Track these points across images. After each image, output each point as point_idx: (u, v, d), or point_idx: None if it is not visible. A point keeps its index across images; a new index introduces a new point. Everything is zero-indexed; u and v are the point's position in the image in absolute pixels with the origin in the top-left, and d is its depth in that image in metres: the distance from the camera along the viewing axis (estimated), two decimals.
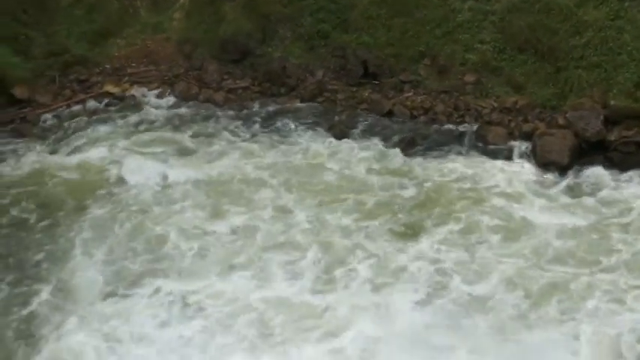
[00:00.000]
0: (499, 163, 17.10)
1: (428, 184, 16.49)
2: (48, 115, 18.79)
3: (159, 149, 17.57)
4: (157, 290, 14.07)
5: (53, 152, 17.77)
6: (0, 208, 16.15)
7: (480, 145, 17.66)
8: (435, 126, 18.17)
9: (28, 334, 13.32)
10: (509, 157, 17.26)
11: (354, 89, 18.83)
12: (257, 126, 18.31)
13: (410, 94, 18.66)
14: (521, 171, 16.97)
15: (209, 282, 14.21)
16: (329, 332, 13.15)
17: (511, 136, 17.73)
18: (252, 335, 13.12)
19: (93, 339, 13.09)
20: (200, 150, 17.61)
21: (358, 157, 17.25)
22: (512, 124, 17.88)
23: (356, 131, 18.04)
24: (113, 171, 16.94)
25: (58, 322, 13.46)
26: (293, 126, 18.22)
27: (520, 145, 17.46)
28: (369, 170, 16.96)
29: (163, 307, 13.74)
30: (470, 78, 18.62)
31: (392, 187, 16.40)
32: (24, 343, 13.17)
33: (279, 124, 18.32)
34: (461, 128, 18.05)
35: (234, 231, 15.35)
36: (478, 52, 18.73)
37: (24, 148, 17.88)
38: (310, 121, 18.37)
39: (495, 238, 15.06)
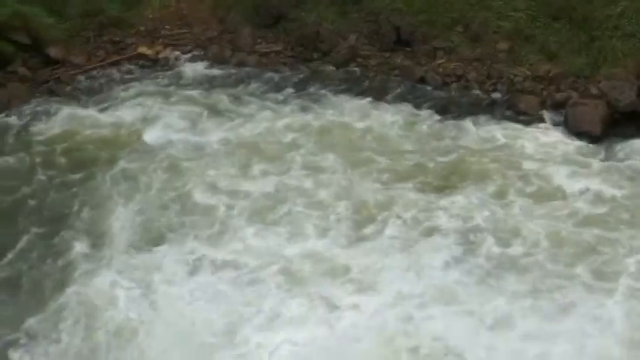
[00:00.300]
0: (531, 131, 17.00)
1: (460, 149, 16.47)
2: (82, 76, 18.90)
3: (190, 109, 17.59)
4: (187, 242, 14.18)
5: (86, 111, 17.85)
6: (34, 164, 16.32)
7: (512, 113, 17.56)
8: (467, 93, 18.14)
9: (61, 280, 13.51)
10: (541, 126, 17.16)
11: (387, 55, 18.78)
12: (289, 90, 18.30)
13: (442, 60, 18.61)
14: (553, 140, 16.86)
15: (239, 236, 14.31)
16: (359, 286, 13.22)
17: (543, 105, 17.64)
18: (282, 284, 13.24)
19: (124, 284, 13.32)
20: (231, 111, 17.62)
21: (390, 121, 17.23)
22: (545, 93, 17.79)
23: (388, 97, 17.99)
24: (145, 129, 17.03)
25: (89, 269, 13.65)
26: (325, 90, 18.18)
27: (552, 115, 17.38)
28: (401, 134, 16.95)
29: (194, 258, 13.88)
30: (503, 46, 18.52)
31: (424, 151, 16.37)
32: (56, 289, 13.35)
33: (311, 88, 18.31)
34: (493, 96, 17.98)
35: (264, 188, 15.41)
36: (511, 19, 18.61)
37: (58, 108, 17.95)
38: (342, 86, 18.31)
39: (528, 202, 15.02)
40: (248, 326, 12.67)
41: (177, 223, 14.59)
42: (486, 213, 14.73)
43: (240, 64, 18.99)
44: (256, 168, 15.94)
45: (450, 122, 17.36)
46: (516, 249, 13.98)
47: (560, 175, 15.76)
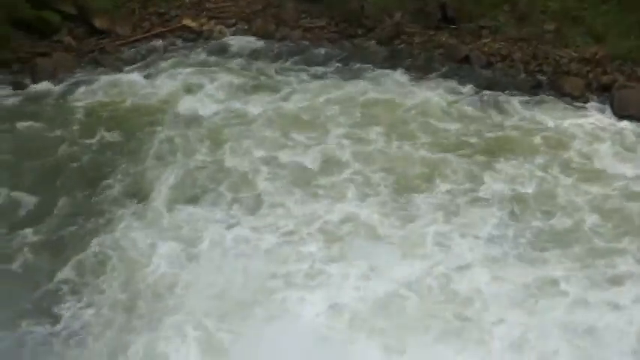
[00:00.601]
0: (575, 113, 16.81)
1: (503, 128, 16.37)
2: (126, 47, 18.96)
3: (232, 81, 17.64)
4: (226, 204, 14.29)
5: (130, 81, 17.97)
6: (78, 130, 16.46)
7: (557, 94, 17.37)
8: (512, 73, 17.95)
9: (103, 236, 13.66)
10: (585, 108, 16.96)
11: (432, 33, 18.67)
12: (331, 65, 18.25)
13: (488, 40, 18.45)
14: (598, 122, 16.65)
15: (278, 200, 14.35)
16: (402, 250, 13.19)
17: (589, 87, 17.42)
18: (321, 242, 13.31)
19: (163, 240, 13.48)
20: (273, 84, 17.65)
21: (434, 99, 17.09)
22: (591, 76, 17.56)
23: (432, 74, 17.88)
24: (186, 99, 17.14)
25: (130, 226, 13.82)
26: (368, 67, 18.10)
27: (597, 97, 17.16)
28: (445, 111, 16.83)
29: (232, 219, 13.97)
30: (550, 26, 18.33)
31: (467, 127, 16.28)
32: (99, 244, 13.52)
33: (354, 64, 18.23)
34: (538, 77, 17.78)
35: (304, 157, 15.40)
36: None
37: (102, 77, 18.07)
38: (386, 63, 18.22)
39: (572, 179, 14.93)
40: (285, 284, 12.73)
41: (216, 187, 14.66)
42: (531, 187, 14.67)
43: (284, 38, 19.00)
44: (297, 138, 15.93)
45: (494, 101, 17.20)
46: (563, 221, 13.88)
47: (605, 156, 15.62)
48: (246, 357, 11.80)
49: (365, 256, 13.08)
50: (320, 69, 18.08)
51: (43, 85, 17.85)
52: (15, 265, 13.38)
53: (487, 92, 17.34)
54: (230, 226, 13.80)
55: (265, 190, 14.56)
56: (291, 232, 13.60)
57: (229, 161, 15.25)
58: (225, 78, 17.67)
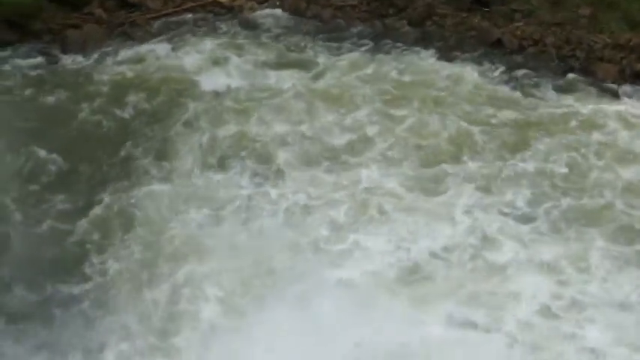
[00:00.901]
0: (607, 100, 16.58)
1: (535, 110, 16.19)
2: (157, 20, 18.93)
3: (261, 57, 17.57)
4: (250, 172, 14.33)
5: (159, 54, 17.88)
6: (107, 101, 16.42)
7: (590, 80, 17.13)
8: (544, 58, 17.75)
9: (130, 197, 13.81)
10: (618, 95, 16.72)
11: (464, 15, 18.47)
12: (362, 44, 18.08)
13: (520, 23, 18.23)
14: (630, 109, 16.42)
15: (305, 170, 14.33)
16: (429, 221, 13.15)
17: (622, 74, 17.18)
18: (347, 210, 13.33)
19: (188, 202, 13.59)
20: (302, 61, 17.55)
21: (465, 81, 16.93)
22: (624, 62, 17.31)
23: (463, 56, 17.69)
24: (215, 72, 17.10)
25: (157, 189, 13.95)
26: (399, 47, 17.94)
27: (631, 84, 16.92)
28: (475, 93, 16.66)
29: (258, 184, 14.05)
30: (584, 11, 18.12)
31: (498, 109, 16.07)
32: (125, 203, 13.68)
33: (384, 44, 18.05)
34: (570, 62, 17.57)
35: (331, 130, 15.34)
36: None
37: (131, 50, 18.04)
38: (416, 43, 18.04)
39: (603, 162, 14.74)
40: (310, 249, 12.74)
41: (242, 155, 14.69)
42: (562, 167, 14.53)
43: (315, 16, 18.86)
44: (325, 112, 15.84)
45: (525, 85, 17.04)
46: (594, 200, 13.74)
47: (636, 141, 15.39)
48: (265, 320, 11.77)
49: (392, 225, 13.05)
50: (350, 47, 17.92)
51: (73, 57, 17.85)
52: (43, 227, 13.47)
53: (518, 75, 17.18)
54: (255, 193, 13.80)
55: (291, 160, 14.53)
56: (317, 199, 13.56)
57: (255, 131, 15.23)
58: (254, 53, 17.60)
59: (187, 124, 15.54)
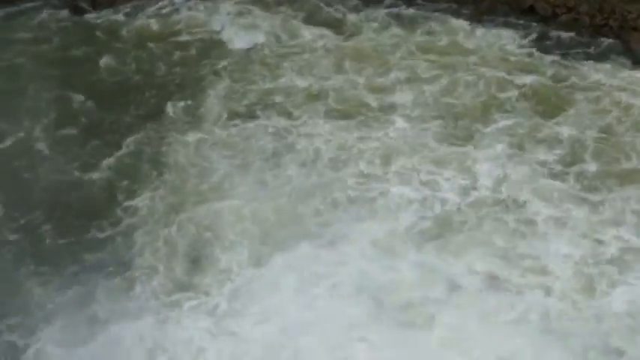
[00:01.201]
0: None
1: (565, 78, 15.95)
2: None
3: (292, 15, 17.46)
4: (278, 118, 14.42)
5: (188, 14, 17.75)
6: (133, 55, 16.52)
7: (622, 50, 16.91)
8: (576, 25, 17.54)
9: (160, 144, 13.98)
10: None
11: None
12: (394, 5, 17.89)
13: None
14: None
15: (331, 121, 14.33)
16: (456, 173, 13.13)
17: None
18: (375, 161, 13.30)
19: (215, 147, 13.74)
20: (333, 21, 17.44)
21: (495, 45, 16.76)
22: None
23: (494, 21, 17.52)
24: (245, 29, 17.08)
25: (185, 138, 14.04)
26: (431, 10, 17.71)
27: None
28: (505, 57, 16.47)
29: (286, 131, 14.09)
30: None
31: (528, 74, 15.87)
32: (150, 146, 13.90)
33: (416, 5, 17.83)
34: (603, 31, 17.35)
35: (356, 83, 15.28)
36: None
37: (160, 8, 18.01)
38: (449, 8, 17.80)
39: (634, 128, 14.46)
40: (340, 202, 12.74)
41: (269, 104, 14.76)
42: (594, 133, 14.32)
43: None
44: (353, 70, 15.76)
45: (557, 52, 16.83)
46: (628, 164, 13.58)
47: None
48: (283, 269, 11.83)
49: (419, 177, 13.06)
50: (382, 10, 17.80)
51: (103, 10, 17.87)
52: (74, 172, 13.65)
53: (551, 42, 17.01)
54: (281, 143, 13.88)
55: (319, 113, 14.52)
56: (345, 150, 13.57)
57: (284, 84, 15.23)
58: (283, 11, 17.55)
59: (217, 74, 15.62)
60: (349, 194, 12.76)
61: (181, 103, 14.82)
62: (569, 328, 11.15)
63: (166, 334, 11.05)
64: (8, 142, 14.29)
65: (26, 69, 16.06)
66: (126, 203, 12.93)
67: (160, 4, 18.10)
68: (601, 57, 16.79)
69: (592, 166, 13.55)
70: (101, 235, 12.51)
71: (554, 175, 13.27)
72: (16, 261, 12.20)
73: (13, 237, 12.60)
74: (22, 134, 14.35)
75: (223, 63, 15.96)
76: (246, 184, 13.04)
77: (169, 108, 14.74)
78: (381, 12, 17.62)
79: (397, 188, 12.82)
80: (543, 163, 13.46)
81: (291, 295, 11.42)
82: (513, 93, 15.33)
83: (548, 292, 11.59)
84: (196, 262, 11.96)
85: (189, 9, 17.89)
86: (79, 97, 15.15)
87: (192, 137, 13.97)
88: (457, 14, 17.65)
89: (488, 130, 14.05)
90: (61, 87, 15.47)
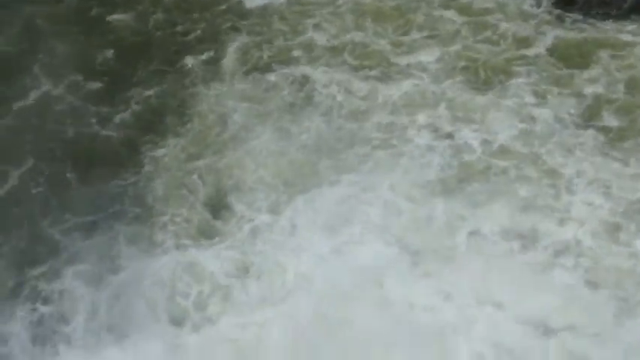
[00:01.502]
0: None
1: (591, 34, 15.62)
2: None
3: None
4: (296, 74, 14.35)
5: None
6: (154, 9, 16.44)
7: None
8: None
9: (176, 87, 14.15)
10: None
11: None
12: None
13: None
14: None
15: (353, 74, 14.24)
16: (482, 123, 13.10)
17: None
18: (399, 109, 13.32)
19: (235, 100, 13.78)
20: None
21: (514, 4, 16.48)
22: None
23: None
24: None
25: (207, 86, 14.20)
26: None
27: None
28: (525, 16, 16.11)
29: (302, 86, 14.07)
30: None
31: (553, 28, 15.59)
32: (170, 95, 14.02)
33: None
34: None
35: (381, 37, 15.16)
36: None
37: None
38: None
39: None
40: (358, 156, 12.77)
41: (285, 58, 14.73)
42: (618, 87, 14.11)
43: None
44: (371, 25, 15.62)
45: (579, 12, 16.54)
46: None
47: None
48: (304, 214, 11.89)
49: (440, 125, 13.09)
50: None
51: None
52: (94, 122, 13.77)
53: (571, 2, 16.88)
54: (301, 90, 13.92)
55: (337, 63, 14.49)
56: (364, 102, 13.57)
57: (303, 38, 15.18)
58: None
59: (236, 30, 15.57)
60: (371, 143, 12.77)
61: (201, 57, 14.82)
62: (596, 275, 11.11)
63: (186, 276, 11.22)
64: (31, 99, 14.34)
65: (43, 29, 16.04)
66: (148, 153, 13.03)
67: None
68: (624, 16, 16.60)
69: (617, 121, 13.41)
70: (123, 184, 12.62)
71: (578, 128, 13.17)
72: (42, 210, 12.36)
73: (39, 188, 12.73)
74: (44, 89, 14.40)
75: (243, 19, 15.90)
76: (266, 134, 13.08)
77: (189, 61, 14.74)
78: None
79: (419, 138, 12.80)
80: (567, 116, 13.34)
81: (312, 238, 11.50)
82: (536, 50, 15.10)
83: (574, 239, 11.54)
84: (217, 208, 12.08)
85: None
86: (99, 54, 15.18)
87: (212, 89, 14.01)
88: None
89: (511, 82, 13.93)
90: (80, 45, 15.50)
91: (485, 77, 14.06)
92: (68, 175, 12.90)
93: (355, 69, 14.31)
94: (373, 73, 14.21)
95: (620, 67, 14.79)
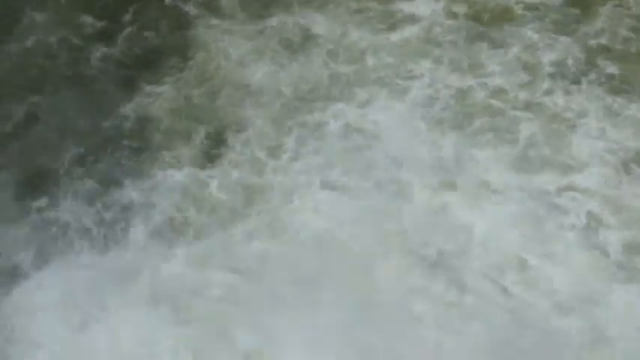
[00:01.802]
0: None
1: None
2: None
3: None
4: (292, 16, 14.30)
5: None
6: None
7: None
8: None
9: (182, 32, 14.13)
10: None
11: None
12: None
13: None
14: None
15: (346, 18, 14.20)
16: (487, 70, 13.11)
17: None
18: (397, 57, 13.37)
19: (236, 45, 13.76)
20: None
21: None
22: None
23: None
24: None
25: (215, 31, 14.13)
26: None
27: None
28: None
29: (298, 25, 14.08)
30: None
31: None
32: (178, 32, 14.11)
33: None
34: None
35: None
36: None
37: None
38: None
39: None
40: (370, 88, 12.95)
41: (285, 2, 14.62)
42: (622, 31, 14.03)
43: None
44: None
45: None
46: None
47: None
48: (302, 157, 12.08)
49: (445, 70, 13.15)
50: None
51: None
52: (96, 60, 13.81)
53: None
54: (302, 32, 13.92)
55: (338, 10, 14.40)
56: (366, 41, 13.62)
57: None
58: None
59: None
60: (374, 79, 12.92)
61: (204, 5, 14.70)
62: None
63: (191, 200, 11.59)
64: (30, 40, 14.17)
65: None
66: (148, 89, 13.12)
67: None
68: None
69: (609, 70, 13.36)
70: (124, 117, 12.77)
71: (571, 76, 13.20)
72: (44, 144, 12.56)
73: (39, 126, 12.79)
74: (43, 30, 14.30)
75: None
76: (267, 68, 13.25)
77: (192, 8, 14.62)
78: None
79: (423, 79, 12.90)
80: (573, 62, 13.37)
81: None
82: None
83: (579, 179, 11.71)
84: (220, 135, 12.34)
85: None
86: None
87: (212, 28, 14.03)
88: None
89: (514, 29, 13.89)
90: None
91: (485, 27, 14.01)
92: (69, 112, 12.95)
93: (358, 13, 14.28)
94: (374, 20, 14.15)
95: (622, 17, 14.72)
